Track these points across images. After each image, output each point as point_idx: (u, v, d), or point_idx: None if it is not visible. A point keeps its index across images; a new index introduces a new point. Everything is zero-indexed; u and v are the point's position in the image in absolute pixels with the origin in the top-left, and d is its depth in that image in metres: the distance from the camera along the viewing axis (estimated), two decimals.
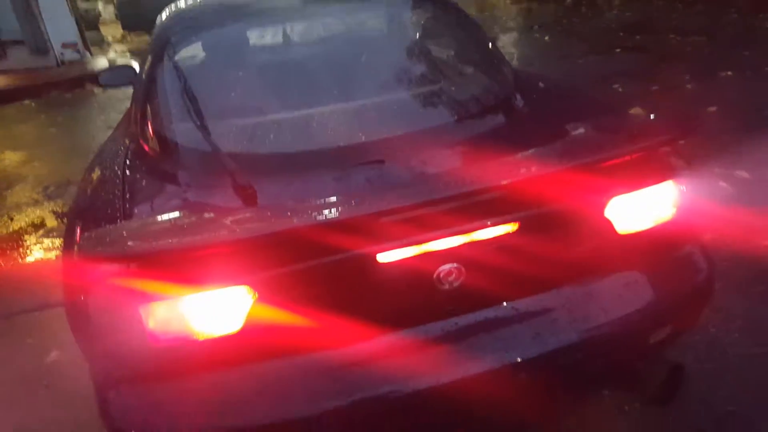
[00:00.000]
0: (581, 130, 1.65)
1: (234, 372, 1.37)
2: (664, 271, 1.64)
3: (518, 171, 1.44)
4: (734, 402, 2.00)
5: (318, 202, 1.38)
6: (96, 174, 1.90)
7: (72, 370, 2.43)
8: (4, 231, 3.81)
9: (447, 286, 1.42)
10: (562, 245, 1.50)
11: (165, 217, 1.42)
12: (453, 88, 1.98)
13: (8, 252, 3.54)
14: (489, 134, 1.74)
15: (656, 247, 1.63)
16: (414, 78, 2.01)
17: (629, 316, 1.54)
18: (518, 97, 1.95)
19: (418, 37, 2.39)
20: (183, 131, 1.74)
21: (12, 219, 3.97)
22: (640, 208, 1.56)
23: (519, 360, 1.44)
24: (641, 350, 1.66)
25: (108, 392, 1.40)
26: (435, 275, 1.40)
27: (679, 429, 1.93)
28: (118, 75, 2.99)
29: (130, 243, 1.24)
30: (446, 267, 1.40)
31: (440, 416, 1.47)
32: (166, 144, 1.79)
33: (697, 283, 1.67)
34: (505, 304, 1.51)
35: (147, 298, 1.30)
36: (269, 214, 1.37)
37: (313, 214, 1.32)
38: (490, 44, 2.33)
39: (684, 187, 1.60)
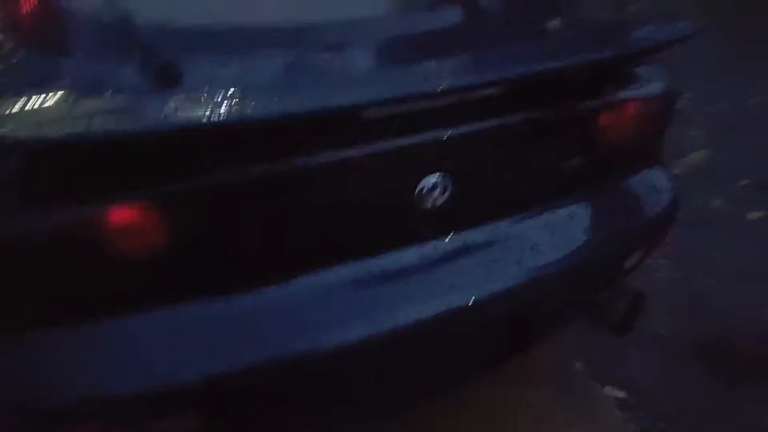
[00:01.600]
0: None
1: None
2: (639, 193, 1.52)
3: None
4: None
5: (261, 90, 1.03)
6: None
7: None
8: None
9: (429, 204, 1.16)
10: (550, 158, 1.30)
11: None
12: None
13: None
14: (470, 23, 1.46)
15: (633, 165, 1.49)
16: None
17: (611, 239, 1.40)
18: None
19: None
20: None
21: None
22: (627, 123, 1.40)
23: (502, 290, 1.24)
24: (615, 276, 1.54)
25: None
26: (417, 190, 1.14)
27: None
28: None
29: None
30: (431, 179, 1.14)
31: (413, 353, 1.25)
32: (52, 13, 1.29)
33: (666, 205, 1.57)
34: (485, 226, 1.29)
35: None
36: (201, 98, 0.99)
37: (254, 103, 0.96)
38: None
39: None
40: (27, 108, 0.86)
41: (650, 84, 1.45)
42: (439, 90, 1.02)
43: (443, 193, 1.16)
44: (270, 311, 1.07)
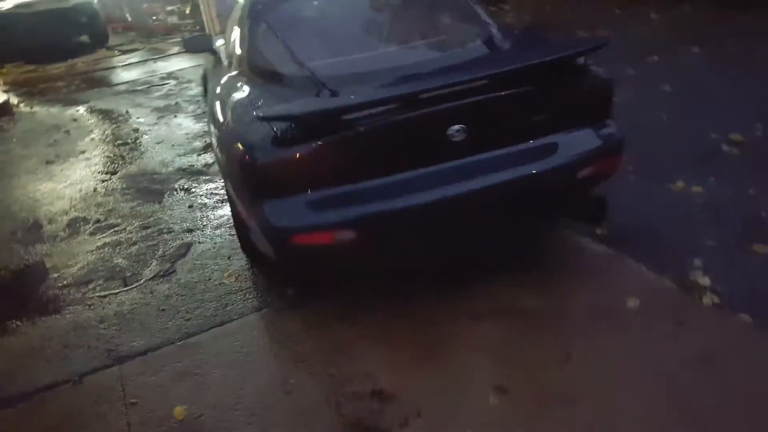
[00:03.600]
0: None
1: None
2: (588, 134, 2.47)
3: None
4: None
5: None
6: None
7: None
8: None
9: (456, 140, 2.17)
10: (526, 115, 2.33)
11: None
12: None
13: None
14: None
15: (585, 120, 2.47)
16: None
17: (568, 158, 2.37)
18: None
19: None
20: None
21: None
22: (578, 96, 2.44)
23: (502, 180, 2.26)
24: (573, 183, 2.44)
25: None
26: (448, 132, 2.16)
27: None
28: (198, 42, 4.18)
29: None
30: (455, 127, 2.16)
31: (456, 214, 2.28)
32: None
33: (607, 141, 2.49)
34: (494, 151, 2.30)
35: None
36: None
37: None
38: None
39: None
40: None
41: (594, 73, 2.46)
42: (453, 82, 2.11)
43: (463, 134, 2.15)
44: (394, 186, 2.18)
